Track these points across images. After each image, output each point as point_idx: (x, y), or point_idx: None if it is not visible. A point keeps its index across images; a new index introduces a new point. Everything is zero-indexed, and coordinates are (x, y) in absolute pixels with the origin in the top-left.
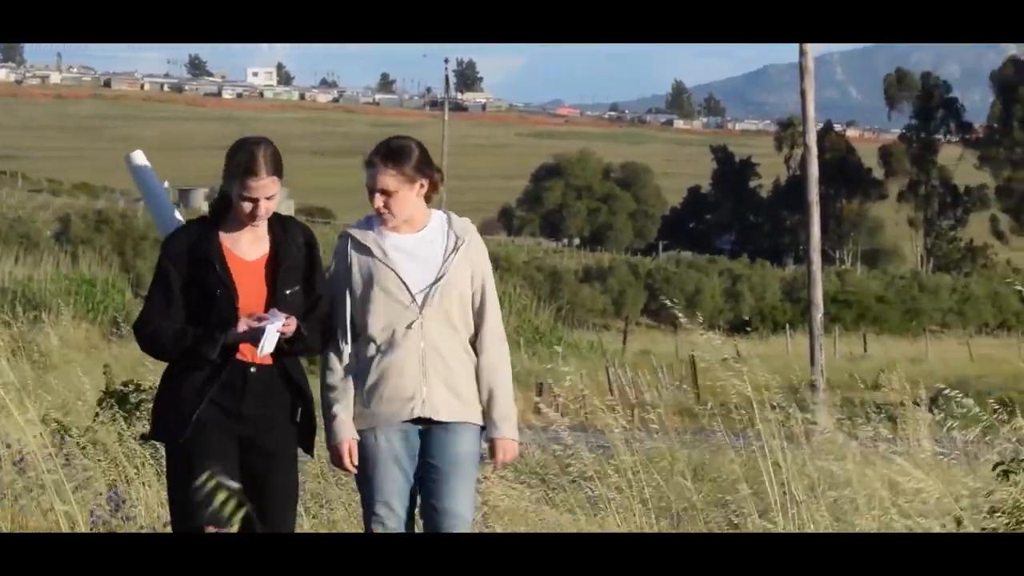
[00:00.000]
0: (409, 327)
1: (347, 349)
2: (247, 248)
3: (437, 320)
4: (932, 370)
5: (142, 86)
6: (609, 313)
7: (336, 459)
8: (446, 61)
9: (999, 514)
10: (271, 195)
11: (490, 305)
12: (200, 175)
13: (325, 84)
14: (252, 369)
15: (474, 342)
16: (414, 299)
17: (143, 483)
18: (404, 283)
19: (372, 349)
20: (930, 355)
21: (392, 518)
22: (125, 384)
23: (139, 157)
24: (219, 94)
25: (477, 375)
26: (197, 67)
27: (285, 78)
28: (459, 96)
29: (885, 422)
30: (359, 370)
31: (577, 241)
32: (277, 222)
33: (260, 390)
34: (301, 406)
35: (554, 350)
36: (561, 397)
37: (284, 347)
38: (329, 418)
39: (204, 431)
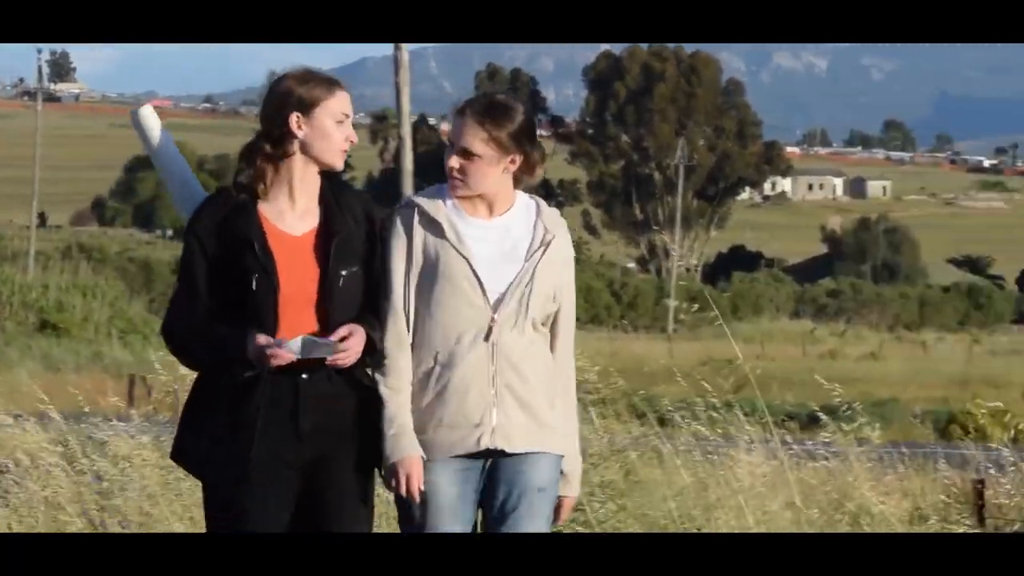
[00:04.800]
0: (480, 335)
1: (407, 348)
2: (294, 220)
3: (514, 328)
4: None
5: None
6: None
7: (394, 481)
8: (39, 51)
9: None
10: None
11: (567, 320)
12: None
13: None
14: (303, 376)
15: None
16: (487, 300)
17: None
18: (479, 279)
19: (430, 360)
20: None
21: None
22: None
23: (147, 112)
24: None
25: None
26: None
27: None
28: (52, 86)
29: None
30: (415, 385)
31: (170, 233)
32: (329, 187)
33: (318, 400)
34: (374, 411)
35: (147, 342)
36: (154, 389)
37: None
38: (391, 427)
39: (255, 470)
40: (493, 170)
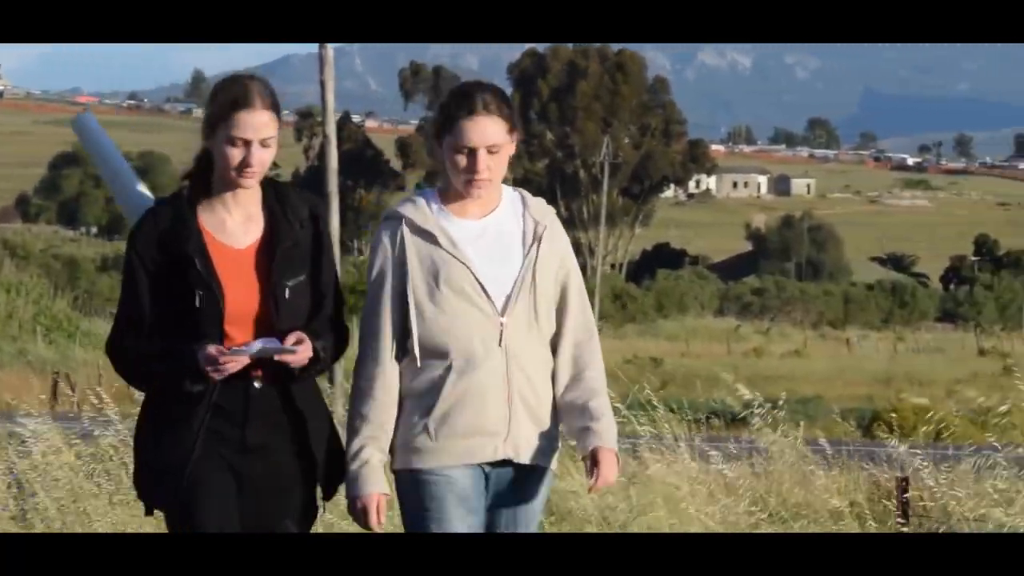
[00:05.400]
0: (492, 341)
1: (392, 370)
2: (236, 231)
3: (520, 330)
4: None
5: None
6: None
7: (356, 514)
8: None
9: None
10: (267, 139)
11: (579, 300)
12: None
13: None
14: (256, 384)
15: (555, 347)
16: (493, 304)
17: None
18: (480, 284)
19: (441, 369)
20: None
21: None
22: None
23: (90, 119)
24: None
25: (570, 386)
26: None
27: None
28: None
29: None
30: (422, 395)
31: (95, 230)
32: (272, 193)
33: (268, 412)
34: (323, 430)
35: (71, 339)
36: (77, 386)
37: (295, 373)
38: (356, 460)
39: (200, 479)
40: (507, 158)
